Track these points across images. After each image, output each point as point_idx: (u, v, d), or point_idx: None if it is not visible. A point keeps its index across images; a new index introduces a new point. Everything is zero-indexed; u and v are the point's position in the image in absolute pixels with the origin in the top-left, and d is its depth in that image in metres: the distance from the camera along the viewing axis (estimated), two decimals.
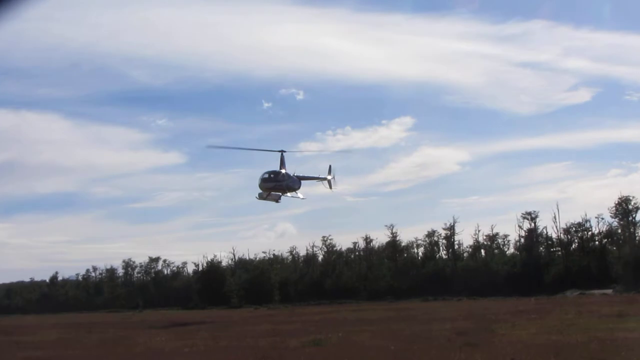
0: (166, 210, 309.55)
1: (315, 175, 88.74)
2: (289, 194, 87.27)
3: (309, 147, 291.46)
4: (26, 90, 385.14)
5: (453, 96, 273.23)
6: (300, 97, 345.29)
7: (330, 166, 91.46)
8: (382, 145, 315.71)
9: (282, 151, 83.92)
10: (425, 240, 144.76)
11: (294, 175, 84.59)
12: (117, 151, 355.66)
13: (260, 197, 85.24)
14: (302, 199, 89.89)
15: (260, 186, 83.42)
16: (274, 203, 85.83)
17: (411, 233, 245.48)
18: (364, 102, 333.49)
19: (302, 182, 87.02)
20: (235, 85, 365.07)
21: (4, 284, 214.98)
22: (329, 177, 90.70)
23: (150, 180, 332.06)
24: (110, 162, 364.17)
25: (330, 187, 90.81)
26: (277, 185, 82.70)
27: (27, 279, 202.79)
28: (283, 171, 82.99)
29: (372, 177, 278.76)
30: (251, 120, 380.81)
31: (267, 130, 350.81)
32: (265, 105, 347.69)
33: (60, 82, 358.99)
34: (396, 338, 38.55)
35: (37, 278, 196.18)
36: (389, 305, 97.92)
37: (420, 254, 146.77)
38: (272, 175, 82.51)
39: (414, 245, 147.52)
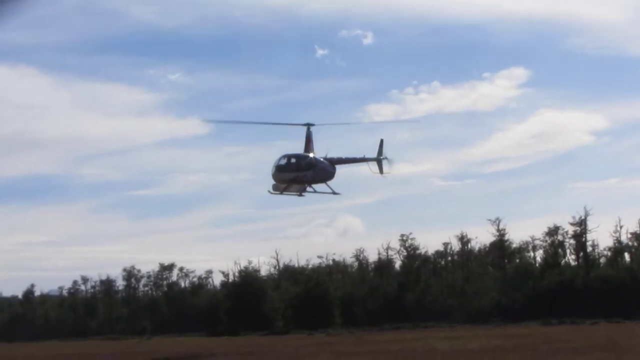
0: (182, 199, 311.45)
1: (358, 157, 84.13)
2: (315, 187, 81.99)
3: (380, 110, 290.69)
4: None
5: (584, 39, 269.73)
6: (368, 41, 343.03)
7: (381, 141, 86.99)
8: (484, 107, 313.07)
9: (308, 125, 78.87)
10: (546, 241, 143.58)
11: (325, 158, 79.21)
12: (114, 118, 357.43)
13: (275, 190, 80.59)
14: (337, 194, 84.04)
15: (275, 176, 77.80)
16: None
17: (525, 230, 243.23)
18: (457, 49, 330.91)
19: (339, 167, 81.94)
20: (276, 26, 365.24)
21: None
22: (380, 157, 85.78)
23: (161, 158, 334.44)
24: (106, 133, 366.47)
25: (381, 171, 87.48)
26: (299, 176, 77.13)
27: None
28: (310, 155, 77.90)
29: (469, 153, 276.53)
30: (300, 75, 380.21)
31: (321, 88, 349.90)
32: (320, 53, 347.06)
33: (36, 23, 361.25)
34: None
35: (6, 293, 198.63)
36: (495, 330, 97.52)
37: (538, 259, 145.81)
38: (292, 161, 76.83)
39: (530, 248, 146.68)
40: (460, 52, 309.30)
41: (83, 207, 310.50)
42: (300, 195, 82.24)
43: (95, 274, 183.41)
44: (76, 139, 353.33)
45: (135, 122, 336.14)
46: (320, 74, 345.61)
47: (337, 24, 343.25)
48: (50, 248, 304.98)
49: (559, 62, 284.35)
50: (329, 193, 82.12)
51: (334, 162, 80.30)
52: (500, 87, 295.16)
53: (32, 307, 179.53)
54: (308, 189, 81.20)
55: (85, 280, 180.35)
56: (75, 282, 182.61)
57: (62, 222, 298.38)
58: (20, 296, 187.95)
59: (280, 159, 76.62)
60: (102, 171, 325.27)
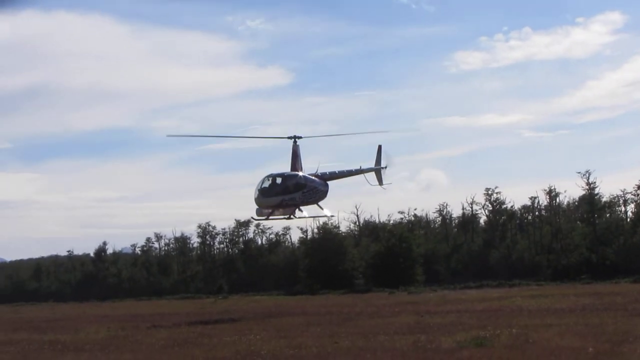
0: (262, 152, 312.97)
1: (354, 169, 77.00)
2: (303, 212, 75.40)
3: (467, 58, 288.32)
4: None
5: None
6: None
7: (379, 147, 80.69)
8: (577, 55, 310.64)
9: (294, 138, 71.02)
10: (638, 194, 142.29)
11: (315, 175, 72.48)
12: (191, 68, 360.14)
13: (259, 215, 74.99)
14: (331, 216, 79.96)
15: (258, 201, 70.38)
16: None
17: (617, 183, 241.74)
18: None
19: (331, 182, 74.64)
20: None
21: (31, 259, 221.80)
22: (379, 167, 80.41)
23: (240, 110, 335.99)
24: (182, 84, 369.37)
25: (381, 183, 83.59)
26: (285, 199, 69.41)
27: (63, 253, 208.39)
28: (299, 174, 70.61)
29: (561, 102, 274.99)
30: (385, 22, 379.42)
31: (408, 36, 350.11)
32: None
33: None
34: (596, 336, 38.30)
35: (78, 251, 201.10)
36: (584, 288, 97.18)
37: (629, 213, 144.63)
38: (277, 183, 69.11)
39: (621, 202, 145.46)
40: None
41: (157, 161, 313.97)
42: (289, 218, 76.00)
43: (169, 231, 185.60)
44: (152, 90, 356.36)
45: (213, 72, 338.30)
46: (406, 20, 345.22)
47: None
48: (123, 204, 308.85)
49: None
50: (321, 216, 77.96)
51: (326, 178, 74.02)
52: (594, 33, 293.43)
53: (105, 265, 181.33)
54: (297, 212, 74.71)
55: (158, 237, 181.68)
56: (148, 240, 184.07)
57: (136, 177, 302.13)
58: (92, 254, 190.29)
59: (263, 181, 69.20)
60: (178, 124, 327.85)
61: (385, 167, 78.11)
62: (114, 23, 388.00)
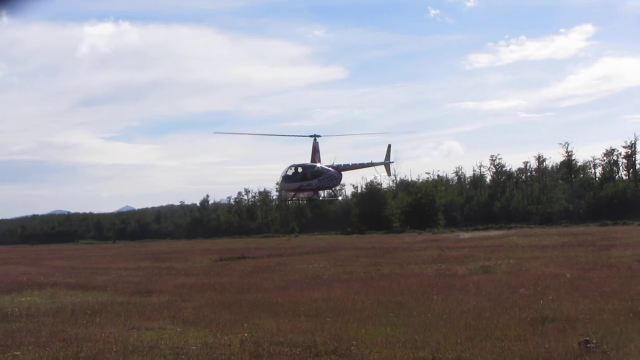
0: (325, 129, 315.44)
1: (366, 162, 69.76)
2: (322, 195, 71.14)
3: (478, 58, 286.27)
4: (178, 2, 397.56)
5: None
6: (470, 4, 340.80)
7: (389, 146, 73.35)
8: (560, 56, 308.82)
9: (315, 136, 65.75)
10: (604, 160, 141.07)
11: (331, 166, 66.91)
12: (273, 66, 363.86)
13: (283, 198, 71.24)
14: (338, 199, 72.00)
15: (281, 186, 67.27)
16: None
17: (588, 152, 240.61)
18: (540, 10, 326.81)
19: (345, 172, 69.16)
20: None
21: (153, 208, 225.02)
22: (388, 162, 72.73)
23: (309, 97, 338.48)
24: (267, 78, 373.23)
25: (389, 174, 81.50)
26: (304, 185, 64.66)
27: (177, 203, 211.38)
28: (318, 165, 65.01)
29: (547, 91, 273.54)
30: (417, 31, 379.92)
31: (434, 41, 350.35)
32: (432, 12, 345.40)
33: None
34: (572, 265, 38.27)
35: (188, 201, 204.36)
36: (563, 230, 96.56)
37: (598, 174, 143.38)
38: (299, 171, 64.22)
39: (591, 166, 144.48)
40: (542, 13, 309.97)
41: (248, 135, 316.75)
42: (309, 200, 71.41)
43: (255, 187, 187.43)
44: (244, 83, 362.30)
45: (289, 69, 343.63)
46: (432, 30, 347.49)
47: None
48: (222, 167, 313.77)
49: (620, 20, 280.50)
50: (333, 199, 73.64)
51: (340, 169, 68.01)
52: (573, 40, 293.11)
53: (207, 212, 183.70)
54: (315, 195, 69.24)
55: (247, 191, 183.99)
56: (239, 193, 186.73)
57: (232, 147, 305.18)
58: (198, 204, 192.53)
59: (287, 169, 64.41)
60: (263, 107, 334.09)
61: (393, 162, 73.58)
62: (216, 33, 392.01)
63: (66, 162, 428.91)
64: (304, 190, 64.84)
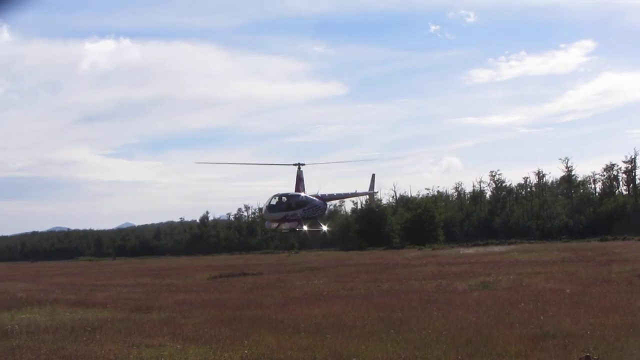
0: (325, 145, 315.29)
1: (350, 192, 71.69)
2: (305, 228, 65.99)
3: (479, 74, 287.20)
4: (179, 19, 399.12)
5: (639, 17, 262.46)
6: (470, 19, 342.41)
7: (373, 176, 72.30)
8: (560, 71, 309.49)
9: (299, 165, 63.47)
10: (604, 175, 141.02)
11: (316, 195, 65.08)
12: (273, 82, 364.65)
13: (267, 227, 68.71)
14: (325, 230, 72.05)
15: (265, 216, 64.67)
16: None
17: (588, 167, 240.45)
18: (540, 25, 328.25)
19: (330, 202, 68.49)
20: (400, 9, 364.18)
21: (153, 225, 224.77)
22: (372, 192, 72.76)
23: (309, 113, 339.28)
24: (266, 94, 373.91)
25: (373, 204, 79.71)
26: (289, 215, 62.06)
27: (176, 219, 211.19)
28: (302, 194, 63.05)
29: (547, 107, 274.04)
30: (417, 47, 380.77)
31: (434, 57, 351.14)
32: (433, 28, 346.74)
33: (215, 9, 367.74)
34: (572, 280, 38.25)
35: (188, 218, 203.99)
36: (563, 245, 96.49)
37: (598, 190, 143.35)
38: (283, 200, 62.01)
39: (591, 181, 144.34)
40: (542, 28, 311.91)
41: (247, 151, 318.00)
42: (293, 230, 66.99)
43: (255, 203, 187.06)
44: (244, 99, 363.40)
45: (289, 85, 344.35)
46: (433, 46, 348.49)
47: (446, 7, 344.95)
48: (221, 183, 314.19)
49: (619, 36, 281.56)
50: (317, 230, 67.46)
51: (325, 199, 66.56)
52: (573, 55, 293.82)
53: (207, 228, 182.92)
54: (299, 226, 64.89)
55: (247, 207, 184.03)
56: (239, 209, 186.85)
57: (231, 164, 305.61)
58: (197, 220, 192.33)
59: (271, 199, 62.71)
60: (263, 124, 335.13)
61: (377, 192, 70.91)
62: (217, 49, 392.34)
63: (66, 179, 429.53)
64: (289, 220, 62.20)
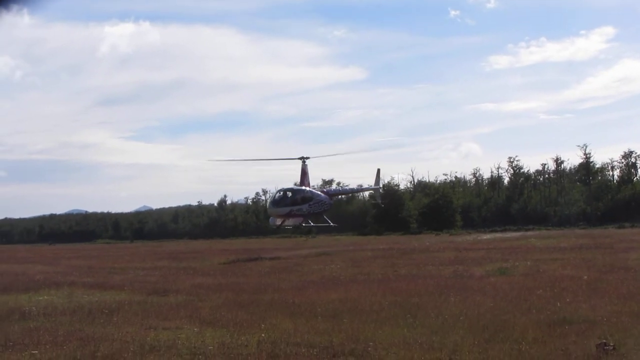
0: (344, 130, 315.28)
1: (356, 187, 67.34)
2: (311, 222, 68.88)
3: (498, 60, 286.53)
4: (199, 2, 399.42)
5: None
6: (491, 5, 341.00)
7: (378, 170, 73.45)
8: (580, 58, 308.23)
9: (303, 158, 63.42)
10: (622, 162, 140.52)
11: (321, 190, 66.38)
12: (293, 67, 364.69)
13: (272, 223, 67.24)
14: (333, 225, 69.95)
15: (270, 211, 64.04)
16: None
17: (607, 154, 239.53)
18: (560, 11, 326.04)
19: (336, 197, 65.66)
20: None
21: (171, 208, 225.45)
22: (377, 187, 72.40)
23: (328, 98, 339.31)
24: (286, 79, 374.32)
25: (378, 200, 78.76)
26: (294, 210, 61.94)
27: (194, 203, 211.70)
28: (306, 189, 63.21)
29: (567, 93, 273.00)
30: (437, 32, 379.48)
31: (454, 43, 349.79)
32: (452, 14, 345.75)
33: None
34: (589, 267, 38.07)
35: (206, 202, 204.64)
36: (581, 232, 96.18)
37: (616, 176, 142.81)
38: (288, 195, 61.75)
39: (609, 168, 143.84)
40: (563, 14, 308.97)
41: (267, 135, 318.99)
42: (300, 226, 69.37)
43: (273, 187, 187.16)
44: (263, 83, 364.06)
45: (309, 70, 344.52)
46: (453, 31, 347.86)
47: None
48: (239, 167, 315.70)
49: (639, 22, 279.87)
50: (325, 225, 69.48)
51: (330, 194, 67.70)
52: (593, 42, 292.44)
53: (225, 212, 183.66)
54: (305, 223, 68.26)
55: (265, 191, 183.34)
56: (257, 193, 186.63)
57: (251, 147, 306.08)
58: (215, 204, 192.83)
59: (276, 193, 63.53)
60: (282, 108, 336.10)
61: (381, 188, 69.64)
62: (237, 33, 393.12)
63: (85, 162, 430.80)
64: (294, 215, 62.15)
